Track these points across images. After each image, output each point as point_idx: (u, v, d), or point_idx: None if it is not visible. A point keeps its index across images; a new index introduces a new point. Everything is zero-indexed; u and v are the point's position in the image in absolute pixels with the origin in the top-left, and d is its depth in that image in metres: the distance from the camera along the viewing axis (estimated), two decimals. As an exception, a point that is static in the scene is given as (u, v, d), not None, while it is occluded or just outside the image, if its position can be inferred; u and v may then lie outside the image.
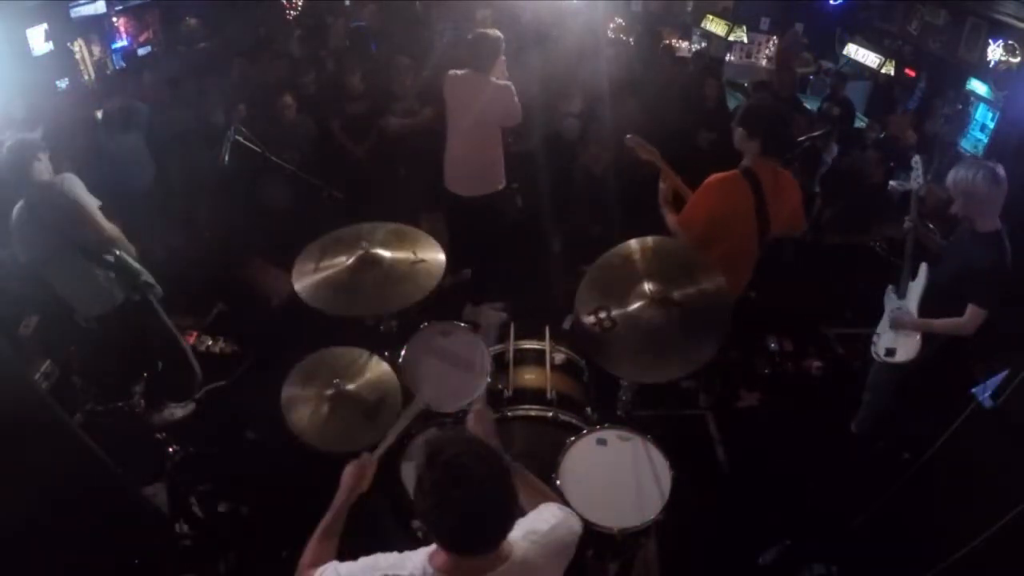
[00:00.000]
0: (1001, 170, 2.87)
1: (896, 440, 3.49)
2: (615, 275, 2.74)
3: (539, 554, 1.56)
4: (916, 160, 3.52)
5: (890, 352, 3.24)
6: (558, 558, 1.65)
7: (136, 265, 3.58)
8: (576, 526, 1.71)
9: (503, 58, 4.03)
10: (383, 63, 6.11)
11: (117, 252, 3.49)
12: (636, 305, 2.63)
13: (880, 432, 3.57)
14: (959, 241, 3.12)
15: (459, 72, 4.06)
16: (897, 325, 3.22)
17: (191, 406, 4.05)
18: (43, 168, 3.31)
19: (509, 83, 3.99)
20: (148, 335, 3.74)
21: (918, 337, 3.15)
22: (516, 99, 3.98)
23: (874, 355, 3.34)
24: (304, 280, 2.86)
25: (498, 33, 4.02)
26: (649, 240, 2.78)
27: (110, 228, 3.42)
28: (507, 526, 1.48)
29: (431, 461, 1.42)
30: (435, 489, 1.40)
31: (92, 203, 3.36)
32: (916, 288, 3.23)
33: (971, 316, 2.95)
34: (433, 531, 1.46)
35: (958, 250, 3.08)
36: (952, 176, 2.97)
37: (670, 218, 3.14)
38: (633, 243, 2.78)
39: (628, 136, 3.24)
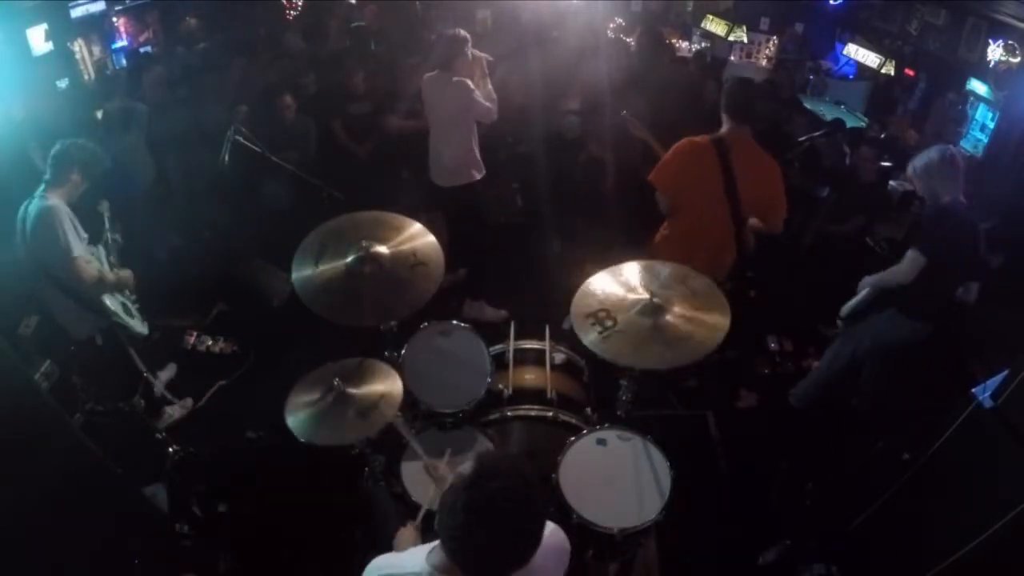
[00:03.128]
0: (955, 149, 3.10)
1: (895, 440, 3.48)
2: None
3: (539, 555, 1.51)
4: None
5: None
6: (557, 564, 1.62)
7: (112, 308, 3.55)
8: (566, 539, 1.67)
9: (470, 57, 4.11)
10: (384, 63, 6.12)
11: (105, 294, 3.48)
12: (636, 307, 2.61)
13: (812, 402, 3.78)
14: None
15: (430, 74, 4.22)
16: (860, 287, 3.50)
17: (188, 404, 4.06)
18: (73, 186, 3.32)
19: (466, 79, 4.08)
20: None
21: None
22: (475, 95, 4.10)
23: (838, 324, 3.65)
24: (303, 283, 2.77)
25: (462, 33, 4.11)
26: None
27: (89, 276, 3.31)
28: (521, 564, 1.40)
29: (476, 483, 1.33)
30: (468, 512, 1.32)
31: (77, 247, 3.26)
32: None
33: (907, 260, 3.08)
34: (446, 544, 1.38)
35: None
36: (910, 164, 3.17)
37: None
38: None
39: (623, 112, 3.31)
